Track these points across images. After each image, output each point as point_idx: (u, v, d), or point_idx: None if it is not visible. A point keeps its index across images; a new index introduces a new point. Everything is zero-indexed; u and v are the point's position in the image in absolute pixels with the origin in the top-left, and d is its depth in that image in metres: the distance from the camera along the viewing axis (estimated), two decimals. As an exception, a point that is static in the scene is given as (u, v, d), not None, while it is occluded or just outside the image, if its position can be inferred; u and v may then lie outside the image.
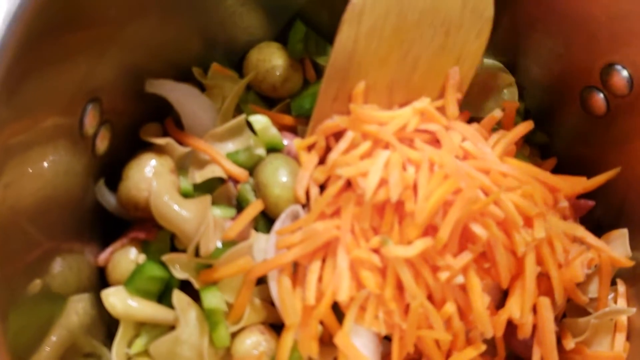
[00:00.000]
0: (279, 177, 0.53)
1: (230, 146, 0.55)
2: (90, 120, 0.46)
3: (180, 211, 0.49)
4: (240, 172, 0.53)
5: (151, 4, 0.49)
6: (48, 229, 0.45)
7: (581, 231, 0.54)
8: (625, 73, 0.52)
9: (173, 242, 0.52)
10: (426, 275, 0.47)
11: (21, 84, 0.38)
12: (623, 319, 0.54)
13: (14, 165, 0.39)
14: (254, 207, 0.52)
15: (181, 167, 0.55)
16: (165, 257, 0.49)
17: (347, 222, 0.48)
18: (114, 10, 0.45)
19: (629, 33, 0.50)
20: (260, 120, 0.55)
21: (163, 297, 0.52)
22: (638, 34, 0.50)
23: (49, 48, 0.40)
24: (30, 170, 0.41)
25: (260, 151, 0.55)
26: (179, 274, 0.49)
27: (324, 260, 0.49)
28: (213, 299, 0.48)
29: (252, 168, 0.55)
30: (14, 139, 0.39)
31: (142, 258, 0.51)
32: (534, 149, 0.63)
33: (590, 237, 0.54)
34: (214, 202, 0.53)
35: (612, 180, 0.56)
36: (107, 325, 0.51)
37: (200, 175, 0.53)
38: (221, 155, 0.54)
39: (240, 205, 0.54)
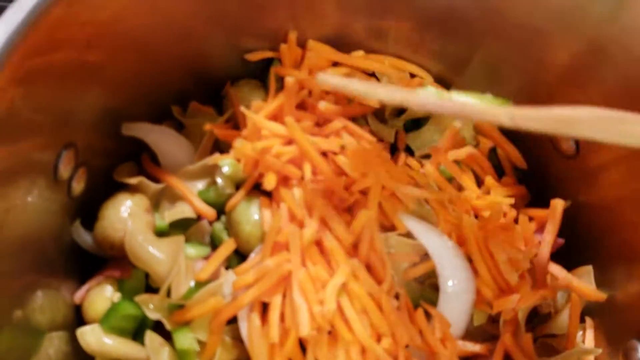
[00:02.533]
0: (250, 214, 0.54)
1: (202, 184, 0.57)
2: (65, 165, 0.48)
3: (153, 252, 0.51)
4: (208, 211, 0.55)
5: (130, 46, 0.50)
6: (27, 263, 0.47)
7: (554, 268, 0.56)
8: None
9: (148, 280, 0.54)
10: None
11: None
12: (590, 358, 0.56)
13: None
14: (226, 248, 0.53)
15: (156, 202, 0.57)
16: (138, 298, 0.51)
17: (297, 255, 0.50)
18: (95, 53, 0.47)
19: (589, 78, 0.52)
20: (227, 164, 0.56)
21: (138, 334, 0.53)
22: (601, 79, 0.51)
23: (25, 96, 0.42)
24: (10, 208, 0.43)
25: (230, 190, 0.56)
26: (152, 314, 0.51)
27: (285, 295, 0.50)
28: (185, 340, 0.50)
29: (223, 205, 0.56)
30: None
31: (117, 297, 0.53)
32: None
33: (562, 273, 0.56)
34: (188, 239, 0.55)
35: (578, 218, 0.58)
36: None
37: (169, 215, 0.55)
38: (192, 193, 0.56)
39: (214, 243, 0.56)
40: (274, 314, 0.49)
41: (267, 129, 0.55)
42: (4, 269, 0.44)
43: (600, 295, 0.56)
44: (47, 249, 0.51)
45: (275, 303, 0.50)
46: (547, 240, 0.56)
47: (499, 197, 0.58)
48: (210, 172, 0.57)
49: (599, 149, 0.55)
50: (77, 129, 0.49)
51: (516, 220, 0.59)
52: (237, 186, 0.56)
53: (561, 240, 0.59)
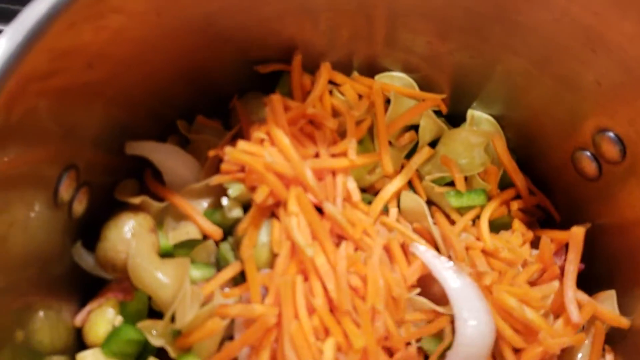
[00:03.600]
0: (257, 235, 0.53)
1: (208, 202, 0.56)
2: (66, 188, 0.47)
3: (158, 276, 0.50)
4: (214, 231, 0.54)
5: (133, 63, 0.49)
6: (28, 282, 0.46)
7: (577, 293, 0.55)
8: (616, 140, 0.52)
9: (150, 303, 0.52)
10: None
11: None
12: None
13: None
14: (231, 270, 0.52)
15: (160, 221, 0.55)
16: (141, 325, 0.50)
17: (288, 307, 0.48)
18: (97, 71, 0.45)
19: (620, 101, 0.50)
20: (232, 187, 0.54)
21: (140, 358, 0.52)
22: (629, 102, 0.49)
23: (26, 115, 0.40)
24: (12, 222, 0.42)
25: (236, 212, 0.54)
26: (155, 341, 0.49)
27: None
28: (189, 367, 0.49)
29: (232, 226, 0.54)
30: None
31: (118, 320, 0.52)
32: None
33: (584, 298, 0.55)
34: (194, 260, 0.54)
35: (598, 241, 0.57)
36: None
37: (174, 237, 0.54)
38: (197, 212, 0.54)
39: (219, 264, 0.54)
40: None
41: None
42: (4, 285, 0.43)
43: (625, 322, 0.54)
44: (48, 268, 0.49)
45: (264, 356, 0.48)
46: (571, 270, 0.54)
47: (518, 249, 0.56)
48: (217, 189, 0.55)
49: (621, 171, 0.54)
50: (79, 147, 0.48)
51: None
52: (246, 206, 0.55)
53: (582, 265, 0.57)
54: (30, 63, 0.37)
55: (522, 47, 0.52)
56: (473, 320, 0.49)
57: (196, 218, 0.54)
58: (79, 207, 0.50)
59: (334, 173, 0.54)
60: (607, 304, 0.56)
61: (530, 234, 0.58)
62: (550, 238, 0.57)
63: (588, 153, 0.55)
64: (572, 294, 0.54)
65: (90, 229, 0.53)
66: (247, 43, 0.54)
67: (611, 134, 0.52)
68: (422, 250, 0.53)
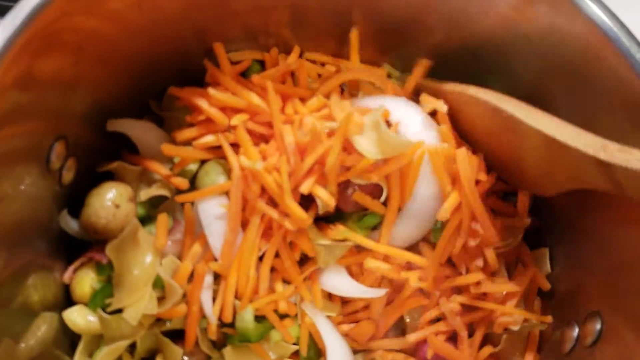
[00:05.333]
0: (213, 178, 0.60)
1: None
2: (57, 156, 0.54)
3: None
4: (180, 181, 0.61)
5: (116, 48, 0.56)
6: (22, 246, 0.53)
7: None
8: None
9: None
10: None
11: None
12: (536, 331, 0.63)
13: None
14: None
15: (136, 191, 0.62)
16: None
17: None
18: (85, 54, 0.52)
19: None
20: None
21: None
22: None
23: (22, 92, 0.48)
24: (11, 192, 0.50)
25: (192, 166, 0.62)
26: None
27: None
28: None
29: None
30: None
31: (96, 284, 0.59)
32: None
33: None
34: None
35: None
36: (70, 337, 0.59)
37: (144, 194, 0.61)
38: (165, 168, 0.62)
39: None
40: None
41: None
42: (2, 245, 0.50)
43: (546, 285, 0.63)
44: (42, 232, 0.57)
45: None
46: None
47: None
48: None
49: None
50: (69, 121, 0.55)
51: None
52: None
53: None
54: (29, 42, 0.45)
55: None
56: None
57: (163, 172, 0.61)
58: (68, 175, 0.57)
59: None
60: (540, 261, 0.64)
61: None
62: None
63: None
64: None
65: (74, 201, 0.60)
66: (222, 34, 0.61)
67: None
68: None
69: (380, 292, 0.59)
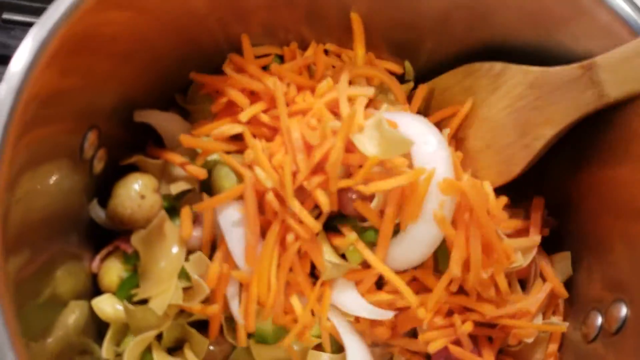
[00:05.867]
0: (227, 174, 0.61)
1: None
2: (90, 145, 0.56)
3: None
4: (199, 171, 0.61)
5: (143, 48, 0.58)
6: (51, 239, 0.54)
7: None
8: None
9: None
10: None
11: (36, 112, 0.47)
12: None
13: (24, 182, 0.47)
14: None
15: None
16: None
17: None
18: (117, 47, 0.54)
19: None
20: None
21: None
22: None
23: (60, 84, 0.49)
24: (38, 188, 0.50)
25: (214, 156, 0.63)
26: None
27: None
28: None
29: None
30: (26, 161, 0.47)
31: (123, 274, 0.61)
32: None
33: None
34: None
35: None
36: (98, 325, 0.60)
37: (175, 187, 0.62)
38: (181, 158, 0.62)
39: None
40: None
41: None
42: (35, 238, 0.51)
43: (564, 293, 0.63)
44: (71, 224, 0.58)
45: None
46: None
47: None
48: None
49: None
50: (100, 114, 0.57)
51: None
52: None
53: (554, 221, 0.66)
54: (67, 37, 0.47)
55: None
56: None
57: (178, 161, 0.62)
58: (99, 165, 0.59)
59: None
60: (562, 264, 0.64)
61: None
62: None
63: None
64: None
65: (102, 192, 0.61)
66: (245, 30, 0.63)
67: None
68: None
69: (387, 315, 0.59)
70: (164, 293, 0.59)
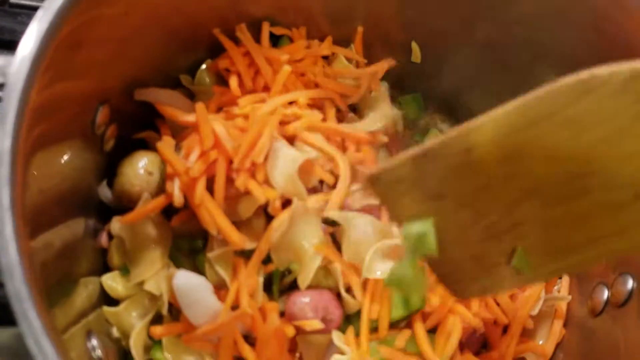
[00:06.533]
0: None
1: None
2: (102, 119, 0.56)
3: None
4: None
5: (151, 29, 0.59)
6: (65, 213, 0.54)
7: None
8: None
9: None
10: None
11: (48, 89, 0.47)
12: (562, 306, 0.65)
13: (38, 162, 0.47)
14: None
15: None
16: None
17: None
18: (129, 25, 0.55)
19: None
20: None
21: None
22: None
23: (71, 62, 0.50)
24: (51, 168, 0.51)
25: None
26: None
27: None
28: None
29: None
30: (40, 136, 0.47)
31: None
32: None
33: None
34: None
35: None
36: (108, 302, 0.60)
37: None
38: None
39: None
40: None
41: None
42: (56, 213, 0.52)
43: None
44: (83, 199, 0.59)
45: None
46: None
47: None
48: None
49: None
50: (111, 90, 0.57)
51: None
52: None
53: None
54: (74, 13, 0.47)
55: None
56: None
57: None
58: (109, 142, 0.60)
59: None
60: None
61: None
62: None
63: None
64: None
65: (108, 173, 0.62)
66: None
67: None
68: None
69: None
70: (156, 275, 0.59)
